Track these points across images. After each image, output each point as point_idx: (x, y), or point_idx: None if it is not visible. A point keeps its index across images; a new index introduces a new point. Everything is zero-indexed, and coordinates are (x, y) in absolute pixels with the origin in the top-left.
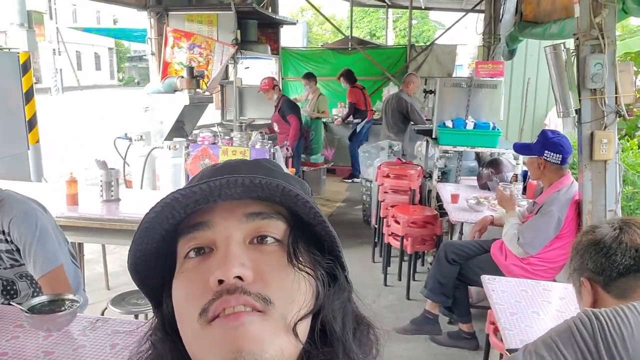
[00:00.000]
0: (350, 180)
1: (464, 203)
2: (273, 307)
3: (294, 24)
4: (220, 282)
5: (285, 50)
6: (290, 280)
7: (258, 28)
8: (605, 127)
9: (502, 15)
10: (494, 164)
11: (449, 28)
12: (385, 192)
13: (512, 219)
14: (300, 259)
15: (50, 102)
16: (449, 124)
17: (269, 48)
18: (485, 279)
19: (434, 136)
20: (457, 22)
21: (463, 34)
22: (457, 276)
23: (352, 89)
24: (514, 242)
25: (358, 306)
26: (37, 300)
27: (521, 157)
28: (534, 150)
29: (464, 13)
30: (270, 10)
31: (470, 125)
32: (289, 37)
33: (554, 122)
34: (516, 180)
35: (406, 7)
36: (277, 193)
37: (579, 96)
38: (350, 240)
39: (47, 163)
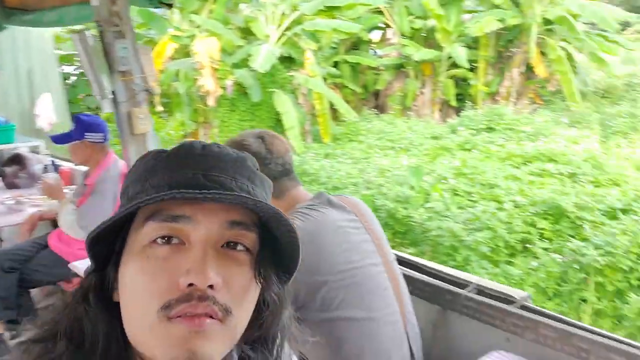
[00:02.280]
0: None
1: (0, 207)
2: (231, 317)
3: None
4: (190, 285)
5: None
6: (251, 295)
7: None
8: (139, 104)
9: None
10: (18, 160)
11: None
12: None
13: (67, 206)
14: (265, 275)
15: None
16: None
17: None
18: None
19: None
20: None
21: None
22: (18, 283)
23: None
24: (75, 228)
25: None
26: None
27: (42, 147)
28: (76, 135)
29: None
30: None
31: None
32: None
33: (45, 110)
34: (47, 171)
35: None
36: (266, 211)
37: (111, 78)
38: None
39: None
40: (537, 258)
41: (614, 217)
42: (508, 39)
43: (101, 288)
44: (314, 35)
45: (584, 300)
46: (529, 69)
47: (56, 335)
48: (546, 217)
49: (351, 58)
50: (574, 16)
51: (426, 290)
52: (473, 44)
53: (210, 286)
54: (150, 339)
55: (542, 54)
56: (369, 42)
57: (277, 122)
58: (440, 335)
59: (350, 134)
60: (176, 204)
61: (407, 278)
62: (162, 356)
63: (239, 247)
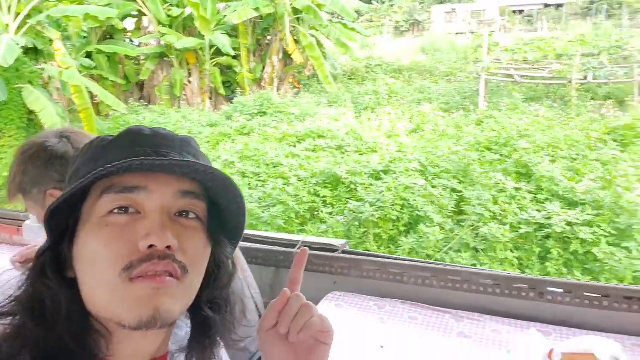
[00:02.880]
0: None
1: None
2: (188, 276)
3: None
4: (150, 247)
5: None
6: (205, 257)
7: None
8: None
9: None
10: None
11: None
12: None
13: None
14: (216, 239)
15: None
16: None
17: None
18: None
19: None
20: None
21: None
22: None
23: None
24: None
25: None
26: None
27: None
28: None
29: None
30: None
31: None
32: None
33: None
34: None
35: None
36: (215, 180)
37: None
38: None
39: None
40: (324, 222)
41: (378, 178)
42: (264, 27)
43: (57, 264)
44: (58, 24)
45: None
46: (287, 55)
47: (17, 310)
48: (326, 185)
49: (107, 48)
50: (319, 6)
51: (259, 256)
52: (233, 32)
53: (168, 247)
54: (114, 302)
55: (296, 41)
56: (124, 31)
57: (30, 122)
58: (278, 292)
59: (120, 128)
60: (130, 177)
61: (241, 249)
62: (128, 316)
63: (191, 215)
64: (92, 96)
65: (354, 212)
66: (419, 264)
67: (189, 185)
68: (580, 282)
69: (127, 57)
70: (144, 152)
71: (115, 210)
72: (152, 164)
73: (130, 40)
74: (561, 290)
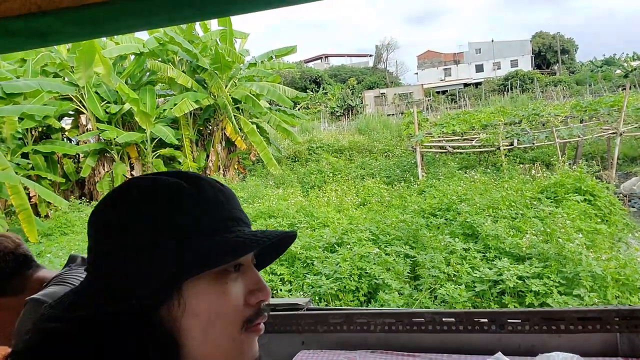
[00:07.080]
0: None
1: None
2: None
3: None
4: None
5: None
6: None
7: None
8: None
9: None
10: None
11: None
12: None
13: None
14: None
15: None
16: None
17: None
18: None
19: None
20: None
21: None
22: None
23: None
24: None
25: None
26: None
27: None
28: None
29: None
30: None
31: None
32: None
33: None
34: None
35: None
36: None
37: None
38: None
39: None
40: None
41: (333, 251)
42: (205, 118)
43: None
44: None
45: None
46: (230, 143)
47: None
48: (282, 263)
49: (44, 148)
50: (257, 96)
51: None
52: (173, 124)
53: None
54: (232, 351)
55: (238, 129)
56: (62, 129)
57: None
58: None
59: (62, 227)
60: None
61: None
62: None
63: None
64: (29, 197)
65: (312, 286)
66: (383, 311)
67: None
68: (537, 310)
69: (65, 155)
70: (239, 212)
71: (230, 268)
72: (275, 241)
73: (68, 139)
74: (519, 320)
